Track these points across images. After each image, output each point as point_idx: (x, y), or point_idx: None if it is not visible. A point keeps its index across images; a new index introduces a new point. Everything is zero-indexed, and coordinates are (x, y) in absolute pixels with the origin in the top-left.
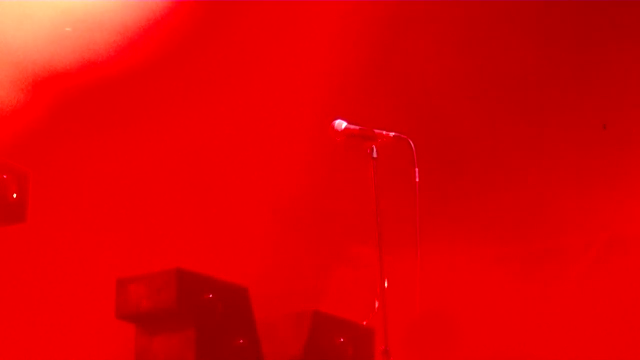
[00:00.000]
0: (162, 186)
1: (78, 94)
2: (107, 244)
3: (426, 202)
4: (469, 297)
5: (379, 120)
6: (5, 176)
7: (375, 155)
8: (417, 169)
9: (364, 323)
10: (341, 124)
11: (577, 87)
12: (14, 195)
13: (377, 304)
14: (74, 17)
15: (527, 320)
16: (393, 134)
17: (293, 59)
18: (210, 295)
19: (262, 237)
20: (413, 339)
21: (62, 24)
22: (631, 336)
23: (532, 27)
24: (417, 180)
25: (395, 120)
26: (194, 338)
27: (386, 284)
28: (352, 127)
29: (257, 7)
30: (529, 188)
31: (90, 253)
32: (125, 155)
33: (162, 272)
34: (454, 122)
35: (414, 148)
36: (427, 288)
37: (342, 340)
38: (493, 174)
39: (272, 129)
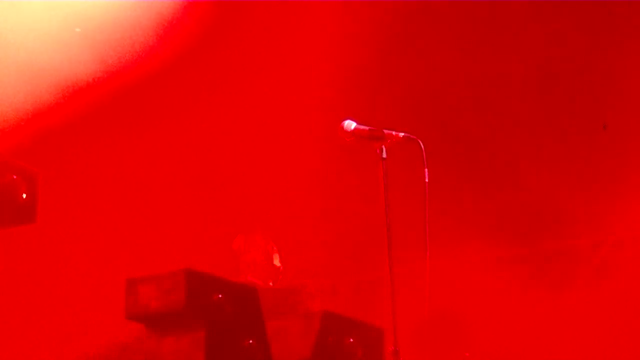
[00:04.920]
0: (172, 187)
1: (87, 95)
2: (116, 245)
3: (436, 202)
4: (478, 297)
5: (388, 121)
6: (15, 177)
7: (384, 155)
8: (426, 170)
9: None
10: (350, 124)
11: (588, 87)
12: (24, 196)
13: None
14: (83, 18)
15: (535, 320)
16: (403, 134)
17: (302, 59)
18: (220, 296)
19: (271, 237)
20: (422, 340)
21: (72, 25)
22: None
23: (537, 29)
24: (426, 180)
25: (404, 120)
26: (203, 338)
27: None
28: (362, 127)
29: (266, 8)
30: (538, 189)
31: (99, 254)
32: (135, 156)
33: (171, 273)
34: (464, 123)
35: (423, 148)
36: (436, 288)
37: (351, 340)
38: (502, 175)
39: (282, 130)
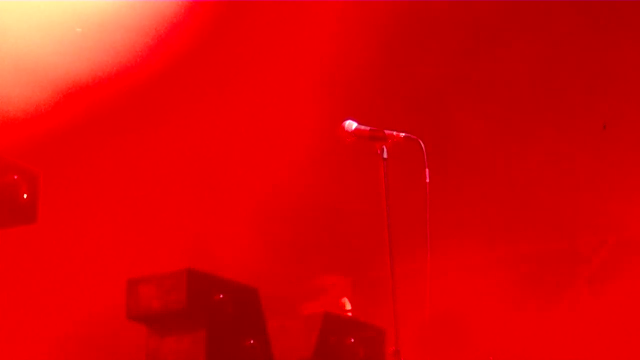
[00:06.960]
0: (172, 187)
1: (87, 95)
2: (117, 245)
3: (436, 202)
4: (478, 297)
5: (389, 121)
6: (16, 177)
7: (385, 156)
8: (427, 170)
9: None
10: (351, 124)
11: (588, 87)
12: (25, 196)
13: None
14: (83, 18)
15: (535, 320)
16: (403, 134)
17: (303, 59)
18: (221, 296)
19: (272, 238)
20: (423, 340)
21: (72, 25)
22: None
23: (536, 29)
24: (427, 181)
25: (405, 120)
26: (204, 338)
27: None
28: (363, 127)
29: (266, 8)
30: (538, 189)
31: (100, 254)
32: (135, 156)
33: (172, 273)
34: (464, 123)
35: (424, 149)
36: (437, 288)
37: (352, 340)
38: (502, 175)
39: (283, 130)
